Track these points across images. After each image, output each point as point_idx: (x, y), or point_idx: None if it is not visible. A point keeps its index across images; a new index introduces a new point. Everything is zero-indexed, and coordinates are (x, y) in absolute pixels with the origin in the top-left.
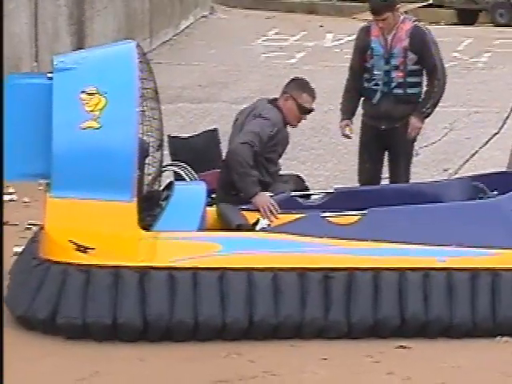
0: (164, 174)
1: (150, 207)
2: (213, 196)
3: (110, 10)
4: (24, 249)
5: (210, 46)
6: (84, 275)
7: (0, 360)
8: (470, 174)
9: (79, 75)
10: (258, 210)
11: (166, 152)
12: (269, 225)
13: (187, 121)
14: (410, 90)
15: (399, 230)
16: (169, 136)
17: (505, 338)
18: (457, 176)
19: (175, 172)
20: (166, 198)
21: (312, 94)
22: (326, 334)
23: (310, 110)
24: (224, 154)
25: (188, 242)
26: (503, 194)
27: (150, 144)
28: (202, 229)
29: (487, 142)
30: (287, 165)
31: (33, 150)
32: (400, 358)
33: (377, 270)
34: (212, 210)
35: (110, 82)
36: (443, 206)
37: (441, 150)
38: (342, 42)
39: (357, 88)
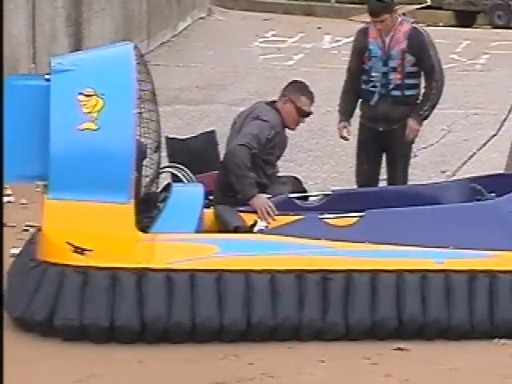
0: (161, 175)
1: (148, 209)
2: (210, 198)
3: (108, 11)
4: (21, 250)
5: (208, 48)
6: (81, 277)
7: (0, 361)
8: (468, 175)
9: (77, 77)
10: (255, 212)
11: (164, 154)
12: (266, 227)
13: (185, 122)
14: (407, 92)
15: (397, 231)
16: (166, 138)
17: (502, 340)
18: (454, 178)
19: (173, 174)
20: (164, 200)
21: (310, 97)
22: (323, 335)
23: (308, 113)
24: (222, 156)
25: (185, 244)
26: (501, 195)
27: (148, 146)
28: (199, 231)
29: (485, 144)
30: (285, 166)
31: (30, 151)
32: (398, 359)
33: (375, 272)
34: (209, 211)
35: (108, 83)
36: (441, 208)
37: (438, 152)
38: (339, 43)
39: (355, 90)
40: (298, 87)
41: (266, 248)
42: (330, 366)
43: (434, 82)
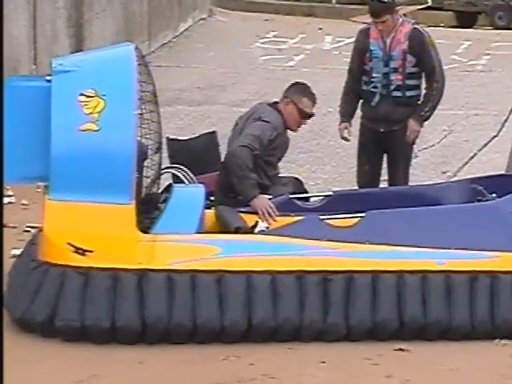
0: (163, 176)
1: (149, 210)
2: (211, 198)
3: (109, 12)
4: (22, 251)
5: (209, 49)
6: (82, 278)
7: (0, 362)
8: (469, 176)
9: (78, 78)
10: (256, 213)
11: (165, 154)
12: (267, 227)
13: (186, 123)
14: (408, 93)
15: (398, 232)
16: (167, 138)
17: (503, 341)
18: (455, 179)
19: (174, 174)
20: (165, 201)
21: (312, 98)
22: (324, 336)
23: (310, 115)
24: (223, 157)
25: (186, 245)
26: (502, 196)
27: (149, 146)
28: (200, 231)
29: (486, 145)
30: (286, 167)
31: (31, 152)
32: (399, 360)
33: (375, 273)
34: (210, 212)
35: (109, 84)
36: (442, 209)
37: (439, 153)
38: (340, 44)
39: (356, 90)
40: (300, 89)
41: (266, 249)
42: (331, 367)
43: (435, 83)
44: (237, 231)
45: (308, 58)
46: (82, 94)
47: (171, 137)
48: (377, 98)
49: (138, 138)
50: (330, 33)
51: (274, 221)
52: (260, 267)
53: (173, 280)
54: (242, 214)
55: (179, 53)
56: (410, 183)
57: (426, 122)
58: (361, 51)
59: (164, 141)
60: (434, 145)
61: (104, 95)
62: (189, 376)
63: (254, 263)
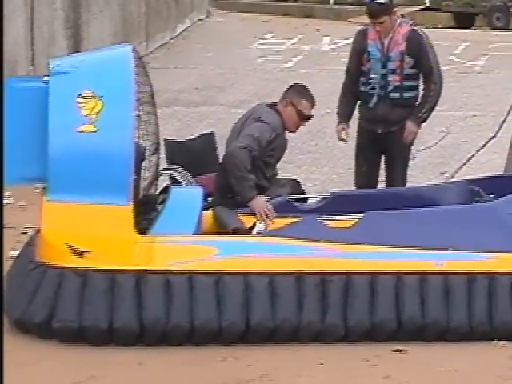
0: (160, 177)
1: (147, 211)
2: (209, 200)
3: (106, 13)
4: (20, 252)
5: (207, 50)
6: (80, 279)
7: (0, 364)
8: (467, 177)
9: (75, 79)
10: (254, 214)
11: (163, 156)
12: (265, 228)
13: (184, 124)
14: (406, 94)
15: (396, 233)
16: (165, 140)
17: (501, 342)
18: (453, 179)
19: (171, 176)
20: (163, 202)
21: (311, 100)
22: (322, 337)
23: (309, 117)
24: (221, 158)
25: (184, 246)
26: (500, 197)
27: (147, 148)
28: (198, 232)
29: (484, 146)
30: (284, 168)
31: (29, 153)
32: (397, 361)
33: (373, 274)
34: (208, 213)
35: (107, 85)
36: (440, 210)
37: (437, 154)
38: (338, 45)
39: (353, 91)
40: (299, 90)
41: (264, 250)
42: (329, 368)
43: (433, 84)
44: (235, 232)
45: (306, 59)
46: (79, 95)
47: (169, 138)
48: (375, 99)
49: (136, 139)
50: (327, 34)
51: (272, 222)
52: (258, 268)
53: (171, 281)
54: (240, 215)
55: (177, 54)
56: (407, 184)
57: (423, 124)
58: (359, 52)
59: (162, 142)
60: (431, 146)
61: (102, 96)
62: (187, 377)
63: (252, 264)
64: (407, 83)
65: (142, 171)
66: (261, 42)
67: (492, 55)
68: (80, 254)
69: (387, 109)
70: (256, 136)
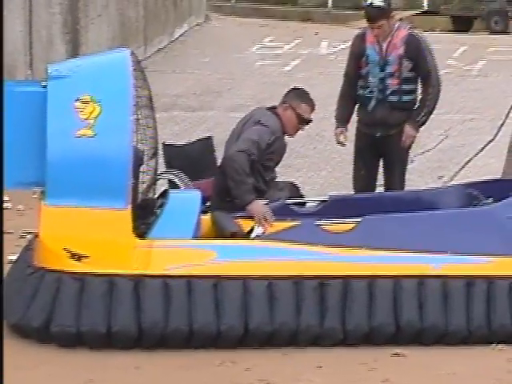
0: (159, 181)
1: (145, 215)
2: (207, 204)
3: (105, 18)
4: (18, 257)
5: (205, 54)
6: (78, 283)
7: (0, 366)
8: (465, 181)
9: (73, 83)
10: (252, 218)
11: (161, 160)
12: (263, 232)
13: (182, 129)
14: (404, 98)
15: (394, 237)
16: (163, 144)
17: (500, 346)
18: (451, 183)
19: (170, 180)
20: (161, 206)
21: (311, 104)
22: (321, 341)
23: (308, 121)
24: (219, 162)
25: (183, 250)
26: (498, 201)
27: (145, 152)
28: (196, 236)
29: (482, 150)
30: (282, 172)
31: (27, 158)
32: (395, 365)
33: (372, 278)
34: (207, 217)
35: (105, 90)
36: (438, 214)
37: (435, 158)
38: (336, 49)
39: (352, 95)
40: (298, 94)
41: (263, 254)
42: (328, 372)
43: (431, 88)
44: (233, 236)
45: (304, 63)
46: (77, 100)
47: (167, 142)
48: (373, 102)
49: (134, 144)
50: (326, 38)
51: (271, 226)
52: (256, 272)
53: (169, 285)
54: (238, 219)
55: (175, 58)
56: (406, 188)
57: (421, 127)
58: (357, 56)
59: (160, 146)
60: (430, 149)
61: (100, 101)
62: (185, 381)
63: (251, 268)
64: (405, 87)
65: (141, 175)
66: (259, 46)
67: (490, 59)
68: (78, 258)
69: (385, 112)
70: (255, 140)
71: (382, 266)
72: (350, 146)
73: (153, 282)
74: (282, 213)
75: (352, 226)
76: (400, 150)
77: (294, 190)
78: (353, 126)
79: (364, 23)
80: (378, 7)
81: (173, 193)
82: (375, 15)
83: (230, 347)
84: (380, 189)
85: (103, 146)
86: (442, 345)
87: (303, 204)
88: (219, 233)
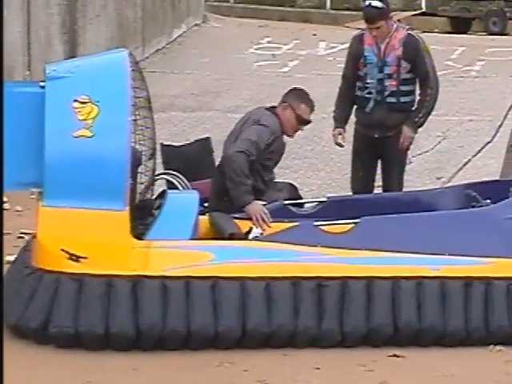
0: (157, 182)
1: (143, 216)
2: (205, 205)
3: (103, 18)
4: (16, 258)
5: (203, 55)
6: (76, 284)
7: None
8: (463, 182)
9: (72, 84)
10: (250, 219)
11: (159, 161)
12: (261, 234)
13: (180, 129)
14: (403, 99)
15: (392, 238)
16: (161, 145)
17: (498, 347)
18: (450, 184)
19: (168, 181)
20: (159, 207)
21: (311, 105)
22: (319, 342)
23: (307, 121)
24: (217, 163)
25: (180, 251)
26: (496, 202)
27: (143, 153)
28: (194, 238)
29: (480, 151)
30: (280, 173)
31: (25, 158)
32: (393, 366)
33: (370, 279)
34: (205, 218)
35: (103, 90)
36: (436, 215)
37: (434, 159)
38: (335, 50)
39: (350, 96)
40: (298, 94)
41: (261, 255)
42: (326, 373)
43: (429, 89)
44: (231, 237)
45: (302, 64)
46: (75, 100)
47: (165, 143)
48: (371, 103)
49: (132, 144)
50: (324, 39)
51: (268, 227)
52: (254, 273)
53: (167, 286)
54: (236, 220)
55: (173, 59)
56: (404, 189)
57: (420, 128)
58: (355, 57)
59: (158, 147)
60: (428, 151)
61: (98, 101)
62: (183, 382)
63: (248, 269)
64: (404, 88)
65: (139, 176)
66: (257, 47)
67: (488, 60)
68: (76, 259)
69: (384, 114)
70: (254, 140)
71: (380, 268)
72: (348, 147)
73: (151, 283)
74: (280, 214)
75: (350, 227)
76: (398, 152)
77: (293, 191)
78: (351, 127)
79: (362, 24)
80: (377, 8)
81: (171, 194)
82: (374, 16)
83: (228, 348)
84: (378, 190)
85: (101, 146)
86: (440, 346)
87: (301, 205)
88: (217, 234)
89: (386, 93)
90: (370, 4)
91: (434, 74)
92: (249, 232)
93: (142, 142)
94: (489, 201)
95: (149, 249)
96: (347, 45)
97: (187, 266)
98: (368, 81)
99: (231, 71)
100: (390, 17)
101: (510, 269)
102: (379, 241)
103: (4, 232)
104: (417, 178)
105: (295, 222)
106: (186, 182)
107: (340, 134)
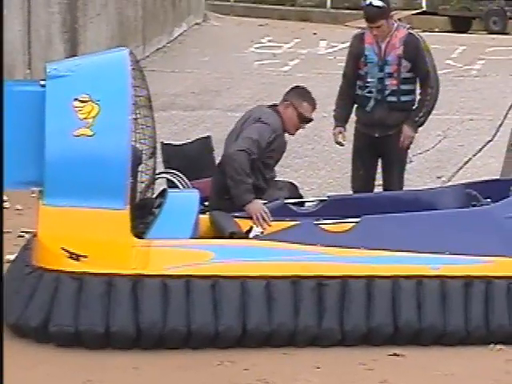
0: (157, 181)
1: (143, 215)
2: (206, 204)
3: (103, 17)
4: (17, 256)
5: (203, 54)
6: (77, 283)
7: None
8: (464, 181)
9: (72, 83)
10: (251, 218)
11: (159, 159)
12: (262, 232)
13: (180, 128)
14: (403, 98)
15: (392, 237)
16: (162, 143)
17: (498, 346)
18: (450, 183)
19: (168, 179)
20: (159, 206)
21: (312, 103)
22: (319, 341)
23: (309, 120)
24: (217, 161)
25: (181, 250)
26: (496, 201)
27: (143, 151)
28: (194, 236)
29: (480, 150)
30: (281, 172)
31: (26, 157)
32: (393, 365)
33: (370, 278)
34: (205, 217)
35: (103, 89)
36: (437, 214)
37: (434, 158)
38: (335, 49)
39: (350, 95)
40: (300, 93)
41: (261, 254)
42: (326, 372)
43: (429, 89)
44: (231, 236)
45: (303, 63)
46: (76, 99)
47: (166, 142)
48: (372, 102)
49: (133, 143)
50: (324, 38)
51: (269, 226)
52: (254, 272)
53: (167, 285)
54: (237, 219)
55: (174, 58)
56: (404, 188)
57: (420, 128)
58: (355, 56)
59: (158, 146)
60: (428, 150)
61: (98, 100)
62: (183, 381)
63: (249, 268)
64: (404, 87)
65: (139, 175)
66: (257, 45)
67: (489, 59)
68: (76, 258)
69: (384, 113)
70: (255, 138)
71: (380, 267)
72: (349, 146)
73: (151, 282)
74: (280, 213)
75: (350, 226)
76: (399, 151)
77: (293, 190)
78: (351, 125)
79: (363, 23)
80: (377, 7)
81: (171, 192)
82: (374, 15)
83: (228, 347)
84: (378, 189)
85: (102, 145)
86: (440, 345)
87: (302, 204)
88: (218, 233)
89: (387, 92)
90: (370, 3)
91: (435, 73)
92: (249, 231)
93: (142, 141)
94: (489, 200)
95: (149, 248)
96: (348, 44)
97: (187, 264)
98: (368, 80)
99: (231, 70)
100: (390, 16)
101: (511, 268)
102: (379, 240)
103: (4, 231)
104: (417, 177)
105: (296, 220)
106: (187, 180)
107: (340, 132)
